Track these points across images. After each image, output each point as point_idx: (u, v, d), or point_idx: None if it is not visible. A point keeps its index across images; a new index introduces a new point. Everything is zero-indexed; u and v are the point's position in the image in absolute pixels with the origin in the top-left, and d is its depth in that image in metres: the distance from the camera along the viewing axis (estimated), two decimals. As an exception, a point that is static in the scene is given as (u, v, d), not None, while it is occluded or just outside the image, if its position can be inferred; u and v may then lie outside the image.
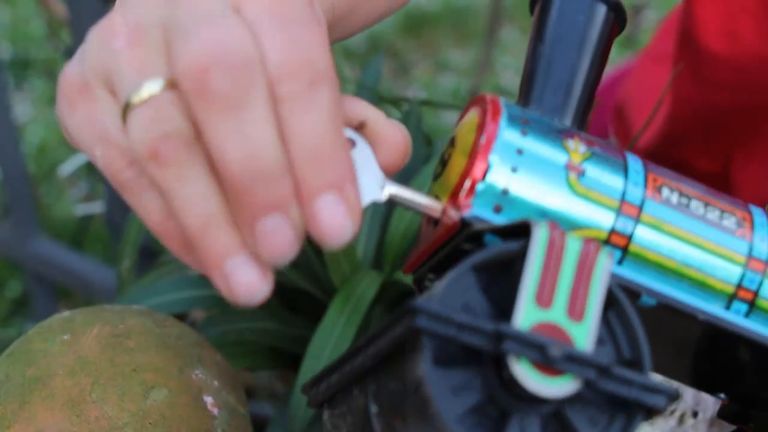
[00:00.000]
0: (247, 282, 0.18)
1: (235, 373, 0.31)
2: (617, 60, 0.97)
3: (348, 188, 0.18)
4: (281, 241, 0.18)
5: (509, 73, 1.13)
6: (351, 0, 0.25)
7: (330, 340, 0.35)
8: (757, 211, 0.24)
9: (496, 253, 0.19)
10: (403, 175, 0.39)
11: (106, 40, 0.19)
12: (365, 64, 0.53)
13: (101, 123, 0.19)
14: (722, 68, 0.48)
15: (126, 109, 0.18)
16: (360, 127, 0.21)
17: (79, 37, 0.56)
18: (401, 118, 0.43)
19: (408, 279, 0.31)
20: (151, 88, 0.18)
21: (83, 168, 0.84)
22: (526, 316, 0.18)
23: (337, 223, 0.18)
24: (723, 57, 0.48)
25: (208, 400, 0.28)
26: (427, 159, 0.42)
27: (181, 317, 0.35)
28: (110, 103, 0.19)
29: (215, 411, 0.28)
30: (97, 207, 0.79)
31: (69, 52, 0.59)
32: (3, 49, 1.02)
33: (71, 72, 0.19)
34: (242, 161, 0.17)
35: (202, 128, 0.17)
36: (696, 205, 0.23)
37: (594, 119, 0.57)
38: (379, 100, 0.45)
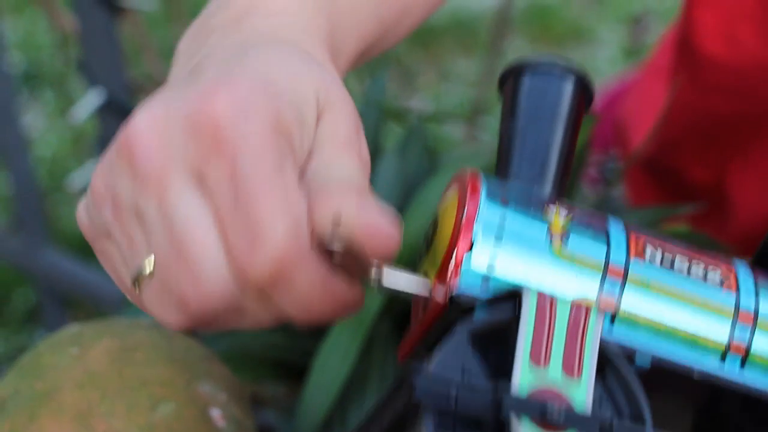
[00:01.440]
0: None
1: (241, 385, 0.32)
2: (620, 71, 0.97)
3: None
4: None
5: (515, 82, 1.13)
6: (398, 10, 0.25)
7: (336, 353, 0.36)
8: (740, 264, 0.25)
9: (489, 321, 0.20)
10: (406, 189, 0.39)
11: (98, 204, 0.19)
12: (371, 75, 0.54)
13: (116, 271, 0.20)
14: (721, 73, 0.48)
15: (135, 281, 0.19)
16: (335, 226, 0.18)
17: (88, 51, 0.57)
18: (405, 134, 0.44)
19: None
20: (149, 267, 0.18)
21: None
22: (523, 377, 0.18)
23: None
24: (722, 61, 0.48)
25: (215, 413, 0.29)
26: (432, 171, 0.42)
27: (188, 331, 0.35)
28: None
29: (222, 424, 0.29)
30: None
31: (79, 65, 0.60)
32: (16, 61, 1.03)
33: (81, 218, 0.20)
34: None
35: None
36: (680, 262, 0.24)
37: (597, 133, 0.57)
38: (384, 114, 0.45)
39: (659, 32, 0.97)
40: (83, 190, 0.20)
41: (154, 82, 0.63)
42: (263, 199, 0.17)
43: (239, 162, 0.17)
